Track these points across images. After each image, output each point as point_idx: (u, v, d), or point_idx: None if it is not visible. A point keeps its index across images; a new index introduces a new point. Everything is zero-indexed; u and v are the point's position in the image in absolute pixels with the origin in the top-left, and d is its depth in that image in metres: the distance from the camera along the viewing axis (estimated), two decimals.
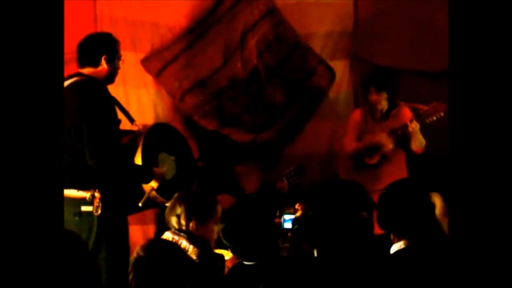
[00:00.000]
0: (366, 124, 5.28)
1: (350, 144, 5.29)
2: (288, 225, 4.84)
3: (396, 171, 5.14)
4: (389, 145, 5.14)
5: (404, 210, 2.84)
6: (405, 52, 5.81)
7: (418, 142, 5.13)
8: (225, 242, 3.44)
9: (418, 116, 5.06)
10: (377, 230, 3.20)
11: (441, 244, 2.77)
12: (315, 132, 6.02)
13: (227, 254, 3.78)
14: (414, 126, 5.02)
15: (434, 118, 5.00)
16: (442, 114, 4.96)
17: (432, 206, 2.88)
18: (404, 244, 2.83)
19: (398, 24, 5.86)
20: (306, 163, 5.67)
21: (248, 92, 5.84)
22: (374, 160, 5.21)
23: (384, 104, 5.22)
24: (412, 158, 5.32)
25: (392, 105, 5.24)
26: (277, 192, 5.20)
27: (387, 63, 5.83)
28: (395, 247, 2.86)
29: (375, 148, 5.18)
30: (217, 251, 3.71)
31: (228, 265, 3.69)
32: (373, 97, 5.19)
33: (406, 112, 5.21)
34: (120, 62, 3.94)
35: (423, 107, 5.09)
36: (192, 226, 3.49)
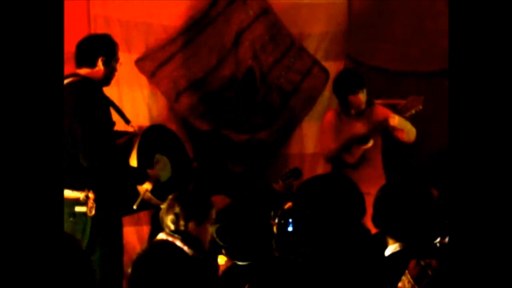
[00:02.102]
0: (341, 124, 5.25)
1: (329, 145, 5.25)
2: None
3: (374, 172, 5.15)
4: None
5: (404, 215, 2.80)
6: (399, 52, 5.82)
7: (410, 133, 5.10)
8: (219, 242, 3.44)
9: (396, 111, 5.03)
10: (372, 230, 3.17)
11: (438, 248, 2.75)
12: (309, 132, 6.03)
13: (221, 256, 3.78)
14: (396, 119, 4.98)
15: (413, 111, 4.98)
16: (421, 107, 4.94)
17: (435, 208, 2.82)
18: (400, 246, 2.82)
19: (392, 24, 5.87)
20: (300, 163, 5.67)
21: (243, 92, 5.85)
22: (355, 157, 5.16)
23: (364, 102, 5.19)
24: (388, 159, 5.32)
25: (368, 103, 5.21)
26: (272, 193, 5.19)
27: (381, 64, 5.85)
28: (390, 249, 2.84)
29: (356, 141, 5.13)
30: None
31: (222, 265, 3.70)
32: (360, 97, 5.13)
33: (381, 110, 5.20)
34: (118, 65, 3.93)
35: (401, 102, 5.07)
36: (190, 227, 3.50)
